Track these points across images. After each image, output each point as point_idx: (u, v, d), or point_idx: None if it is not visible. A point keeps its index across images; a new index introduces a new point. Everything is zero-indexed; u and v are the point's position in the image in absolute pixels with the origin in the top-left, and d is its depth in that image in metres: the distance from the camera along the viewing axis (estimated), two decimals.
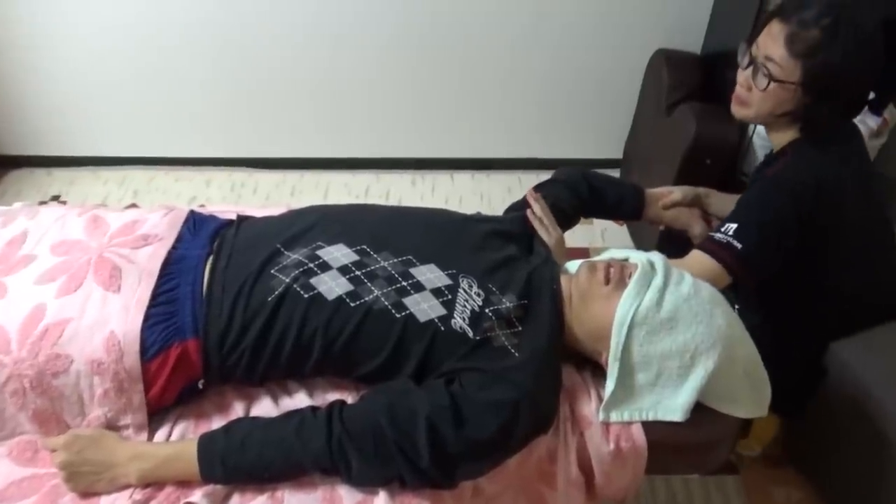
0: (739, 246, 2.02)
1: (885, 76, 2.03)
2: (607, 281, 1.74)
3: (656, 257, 1.81)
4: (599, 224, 2.44)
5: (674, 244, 2.08)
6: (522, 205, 2.16)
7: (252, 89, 3.90)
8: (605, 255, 1.93)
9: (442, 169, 4.25)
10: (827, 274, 2.18)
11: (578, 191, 2.25)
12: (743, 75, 2.12)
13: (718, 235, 2.07)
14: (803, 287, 2.22)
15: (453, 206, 3.71)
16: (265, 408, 1.75)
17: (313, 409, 1.64)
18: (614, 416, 1.75)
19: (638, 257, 1.82)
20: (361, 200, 3.94)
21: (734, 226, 2.06)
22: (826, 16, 1.94)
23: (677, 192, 2.39)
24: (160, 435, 1.70)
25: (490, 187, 4.14)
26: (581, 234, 2.62)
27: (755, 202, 2.11)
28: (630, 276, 1.74)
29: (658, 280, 1.72)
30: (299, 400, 1.76)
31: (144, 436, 1.69)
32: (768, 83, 2.02)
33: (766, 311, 2.25)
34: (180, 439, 1.69)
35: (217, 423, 1.71)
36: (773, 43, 2.01)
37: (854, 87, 2.03)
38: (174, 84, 3.86)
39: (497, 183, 4.17)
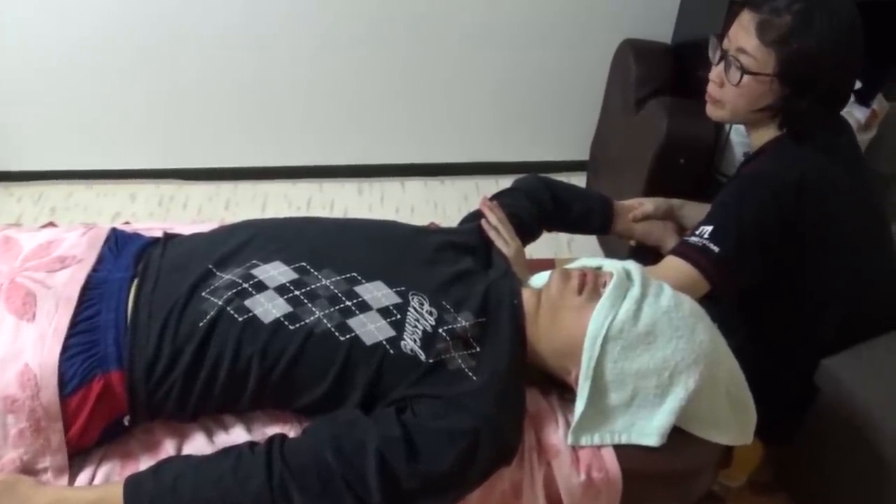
0: (717, 249, 2.04)
1: (874, 63, 2.06)
2: (581, 290, 1.76)
3: (632, 266, 1.82)
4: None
5: (646, 261, 2.08)
6: (479, 214, 2.17)
7: (179, 92, 3.86)
8: (576, 264, 1.94)
9: (391, 176, 4.24)
10: (816, 282, 2.18)
11: (540, 200, 2.27)
12: (715, 71, 2.16)
13: (693, 239, 2.08)
14: (791, 298, 2.23)
15: (405, 217, 3.76)
16: (198, 445, 1.74)
17: (251, 444, 1.63)
18: (584, 440, 1.76)
19: (613, 266, 1.83)
20: (303, 213, 3.94)
21: (710, 228, 2.07)
22: (798, 1, 1.98)
23: (649, 204, 2.41)
24: (82, 478, 1.68)
25: (444, 195, 4.15)
26: (545, 243, 2.62)
27: (732, 201, 2.12)
28: (604, 286, 1.75)
29: (635, 290, 1.73)
30: (236, 435, 1.75)
31: (65, 479, 1.67)
32: (741, 76, 2.05)
33: (749, 327, 2.24)
34: (104, 482, 1.67)
35: (145, 463, 1.69)
36: (744, 33, 2.04)
37: (833, 76, 2.05)
38: (93, 88, 3.81)
39: (452, 190, 4.18)
